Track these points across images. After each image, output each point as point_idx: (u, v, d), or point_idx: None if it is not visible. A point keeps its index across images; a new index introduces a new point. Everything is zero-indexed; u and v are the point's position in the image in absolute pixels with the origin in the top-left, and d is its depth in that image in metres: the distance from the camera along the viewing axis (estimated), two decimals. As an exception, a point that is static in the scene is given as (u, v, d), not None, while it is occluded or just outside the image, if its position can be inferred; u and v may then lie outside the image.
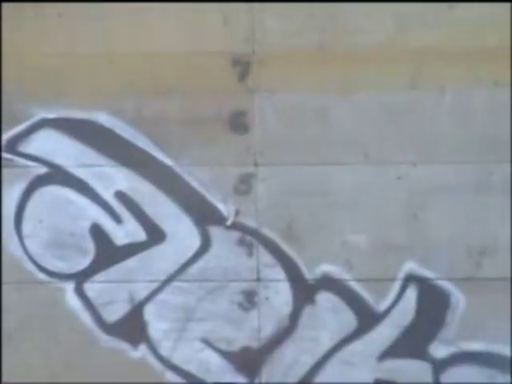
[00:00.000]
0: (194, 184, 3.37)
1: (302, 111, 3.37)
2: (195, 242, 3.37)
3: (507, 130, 3.33)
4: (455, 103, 3.35)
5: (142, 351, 3.36)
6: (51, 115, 3.37)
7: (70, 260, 3.35)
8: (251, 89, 3.37)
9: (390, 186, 3.35)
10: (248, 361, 3.36)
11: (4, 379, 3.29)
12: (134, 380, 3.34)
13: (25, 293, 3.33)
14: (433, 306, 3.35)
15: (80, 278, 3.36)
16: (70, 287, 3.35)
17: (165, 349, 3.36)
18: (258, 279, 3.35)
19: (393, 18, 3.37)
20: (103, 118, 3.37)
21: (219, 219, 3.36)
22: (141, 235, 3.37)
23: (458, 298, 3.33)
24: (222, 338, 3.36)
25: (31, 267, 3.34)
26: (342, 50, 3.36)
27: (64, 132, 3.36)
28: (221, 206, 3.36)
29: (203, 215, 3.37)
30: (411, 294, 3.35)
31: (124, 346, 3.35)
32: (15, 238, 3.35)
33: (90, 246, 3.36)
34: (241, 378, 3.35)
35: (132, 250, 3.37)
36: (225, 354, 3.36)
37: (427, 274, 3.34)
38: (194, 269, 3.37)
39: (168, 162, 3.37)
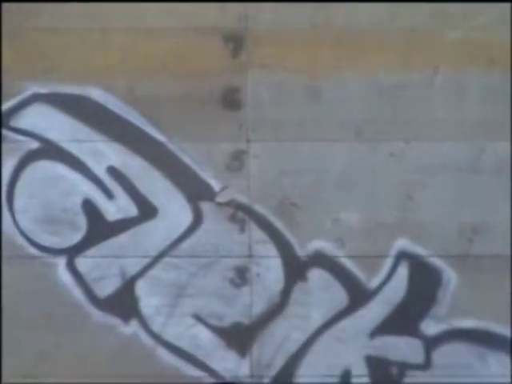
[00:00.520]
0: (186, 160, 3.37)
1: (295, 89, 3.37)
2: (187, 218, 3.37)
3: (500, 109, 3.34)
4: (448, 82, 3.35)
5: (133, 327, 3.35)
6: (43, 90, 3.36)
7: (61, 235, 3.35)
8: (244, 65, 3.37)
9: (382, 164, 3.36)
10: (239, 337, 3.36)
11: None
12: (125, 355, 3.33)
13: (16, 267, 3.32)
14: (424, 284, 3.35)
15: (72, 253, 3.35)
16: (61, 262, 3.34)
17: (156, 324, 3.36)
18: (250, 255, 3.36)
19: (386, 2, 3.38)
20: (96, 94, 3.37)
21: (211, 195, 3.36)
22: (132, 211, 3.37)
23: (450, 275, 3.34)
24: (214, 314, 3.36)
25: (23, 242, 3.33)
26: (336, 29, 3.37)
27: (56, 107, 3.36)
28: (213, 182, 3.36)
29: (195, 191, 3.37)
30: (403, 271, 3.35)
31: (115, 321, 3.35)
32: (7, 213, 3.34)
33: (82, 221, 3.36)
34: (232, 354, 3.35)
35: (124, 225, 3.36)
36: (216, 330, 3.36)
37: (419, 251, 3.35)
38: (185, 245, 3.37)
39: (160, 138, 3.37)
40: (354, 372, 3.35)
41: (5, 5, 3.35)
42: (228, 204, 3.36)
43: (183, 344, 3.36)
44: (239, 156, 3.36)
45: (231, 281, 3.36)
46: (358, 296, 3.36)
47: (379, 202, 3.36)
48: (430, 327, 3.34)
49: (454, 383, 3.30)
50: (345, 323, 3.35)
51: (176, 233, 3.36)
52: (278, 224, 3.36)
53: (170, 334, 3.36)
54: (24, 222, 3.34)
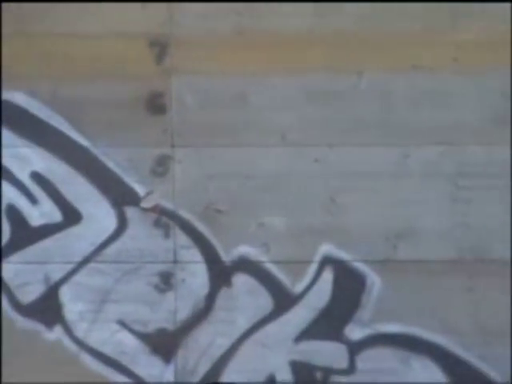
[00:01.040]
0: (111, 165, 3.37)
1: (220, 94, 3.38)
2: (111, 224, 3.37)
3: (425, 114, 3.36)
4: (373, 87, 3.37)
5: (57, 333, 3.36)
6: None
7: None
8: (168, 71, 3.37)
9: (307, 169, 3.38)
10: (164, 343, 3.37)
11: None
12: (49, 361, 3.33)
13: None
14: (349, 288, 3.37)
15: None
16: None
17: (80, 330, 3.36)
18: (175, 261, 3.36)
19: (313, 3, 3.39)
20: (19, 98, 3.36)
21: (136, 200, 3.36)
22: (57, 216, 3.37)
23: (374, 280, 3.35)
24: (138, 320, 3.37)
25: None
26: (261, 34, 3.38)
27: None
28: (137, 188, 3.36)
29: (120, 196, 3.38)
30: (327, 276, 3.37)
31: (39, 327, 3.35)
32: None
33: (5, 226, 3.35)
34: (156, 360, 3.36)
35: (48, 231, 3.37)
36: (140, 336, 3.37)
37: (343, 256, 3.37)
38: (110, 250, 3.37)
39: (85, 143, 3.37)
40: (279, 377, 3.36)
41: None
42: (153, 209, 3.37)
43: (107, 350, 3.36)
44: (164, 161, 3.37)
45: (156, 286, 3.37)
46: (283, 301, 3.37)
47: (304, 208, 3.37)
48: (354, 332, 3.36)
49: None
50: (269, 328, 3.37)
51: (100, 238, 3.37)
52: (203, 229, 3.37)
53: (94, 340, 3.36)
54: None
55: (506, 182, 3.35)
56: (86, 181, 3.37)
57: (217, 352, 3.36)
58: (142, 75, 3.37)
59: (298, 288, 3.36)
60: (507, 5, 3.36)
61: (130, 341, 3.36)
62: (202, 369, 3.36)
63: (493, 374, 3.32)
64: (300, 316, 3.37)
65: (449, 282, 3.34)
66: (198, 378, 3.36)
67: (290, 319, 3.37)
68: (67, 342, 3.35)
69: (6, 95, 3.36)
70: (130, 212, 3.37)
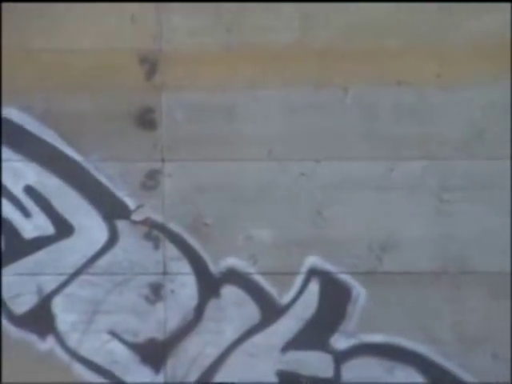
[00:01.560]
0: (102, 179, 3.44)
1: (209, 109, 3.45)
2: (103, 236, 3.44)
3: (409, 128, 3.43)
4: (358, 102, 3.44)
5: (49, 343, 3.42)
6: None
7: None
8: (158, 86, 3.44)
9: (293, 183, 3.44)
10: (154, 352, 3.43)
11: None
12: (42, 371, 3.40)
13: None
14: (334, 300, 3.44)
15: None
16: None
17: (72, 340, 3.43)
18: (164, 272, 3.43)
19: (299, 18, 3.46)
20: (13, 114, 3.43)
21: (126, 214, 3.44)
22: (49, 229, 3.44)
23: (359, 291, 3.42)
24: (129, 330, 3.43)
25: None
26: (248, 49, 3.45)
27: None
28: (128, 201, 3.43)
29: (111, 210, 3.45)
30: (314, 287, 3.43)
31: (32, 337, 3.42)
32: None
33: None
34: (146, 369, 3.43)
35: (40, 243, 3.43)
36: (131, 346, 3.43)
37: (329, 268, 3.43)
38: (101, 262, 3.44)
39: (76, 157, 3.44)
40: None
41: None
42: (143, 222, 3.44)
43: (99, 359, 3.43)
44: (154, 175, 3.44)
45: (146, 297, 3.44)
46: (270, 312, 3.43)
47: (291, 220, 3.44)
48: (339, 342, 3.42)
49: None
50: (257, 338, 3.43)
51: (92, 250, 3.44)
52: (192, 241, 3.44)
53: (85, 350, 3.43)
54: None
55: (488, 195, 3.41)
56: (78, 194, 3.44)
57: (205, 361, 3.43)
58: (133, 91, 3.44)
59: (285, 299, 3.43)
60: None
61: (120, 350, 3.43)
62: (192, 378, 3.43)
63: (472, 381, 3.38)
64: (287, 326, 3.43)
65: (432, 292, 3.40)
66: None
67: (277, 330, 3.43)
68: (59, 352, 3.42)
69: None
70: (121, 225, 3.44)
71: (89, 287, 3.43)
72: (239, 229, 3.44)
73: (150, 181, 3.43)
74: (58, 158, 3.44)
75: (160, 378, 3.42)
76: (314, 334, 3.43)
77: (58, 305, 3.43)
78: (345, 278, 3.43)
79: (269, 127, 3.45)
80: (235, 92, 3.44)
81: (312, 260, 3.42)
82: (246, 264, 3.43)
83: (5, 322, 3.42)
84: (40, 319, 3.43)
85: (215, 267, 3.43)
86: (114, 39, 3.45)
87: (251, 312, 3.44)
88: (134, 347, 3.43)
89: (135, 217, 3.44)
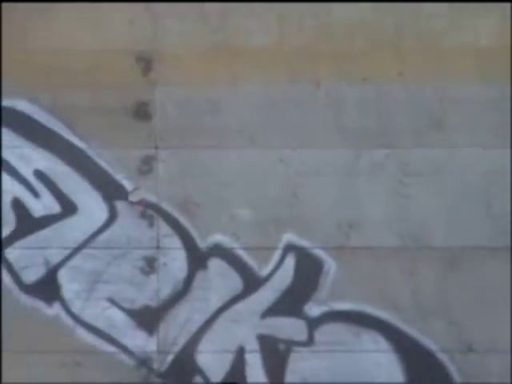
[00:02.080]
0: (103, 164, 3.83)
1: (197, 102, 3.83)
2: (103, 215, 3.83)
3: (374, 121, 3.83)
4: (329, 97, 3.85)
5: (55, 309, 3.80)
6: None
7: None
8: (153, 82, 3.85)
9: (272, 168, 3.83)
10: (148, 318, 3.81)
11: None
12: (48, 334, 3.77)
13: None
14: (308, 272, 3.81)
15: (2, 244, 3.82)
16: None
17: (76, 307, 3.80)
18: (158, 247, 3.83)
19: (276, 20, 3.86)
20: (24, 106, 3.83)
21: (124, 195, 3.85)
22: (55, 208, 3.83)
23: (330, 264, 3.79)
24: (126, 298, 3.81)
25: None
26: (232, 49, 3.85)
27: None
28: (126, 184, 3.85)
29: (110, 191, 3.84)
30: (290, 261, 3.81)
31: (40, 304, 3.80)
32: None
33: (11, 217, 3.84)
34: (141, 333, 3.80)
35: (48, 221, 3.81)
36: (128, 312, 3.81)
37: (304, 243, 3.81)
38: (102, 238, 3.82)
39: (80, 144, 3.84)
40: (247, 348, 3.79)
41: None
42: (139, 202, 3.85)
43: (99, 324, 3.80)
44: (148, 161, 3.84)
45: (141, 269, 3.83)
46: (251, 283, 3.81)
47: (269, 201, 3.82)
48: (312, 309, 3.80)
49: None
50: (239, 306, 3.81)
51: (93, 227, 3.82)
52: (182, 220, 3.82)
53: (87, 315, 3.80)
54: (-40, 217, 3.80)
55: (442, 179, 3.80)
56: (81, 178, 3.83)
57: (193, 326, 3.80)
58: (130, 86, 3.83)
59: (264, 271, 3.81)
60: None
61: (118, 316, 3.81)
62: (181, 340, 3.80)
63: (430, 345, 3.78)
64: (266, 296, 3.81)
65: (393, 265, 3.78)
66: (177, 348, 3.79)
67: (257, 298, 3.81)
68: (64, 317, 3.80)
69: (12, 103, 3.83)
70: (119, 205, 3.84)
71: (90, 260, 3.83)
72: (224, 209, 3.82)
73: (145, 166, 3.84)
74: (64, 146, 3.83)
75: (153, 340, 3.81)
76: (289, 303, 3.80)
77: (63, 275, 3.82)
78: (317, 252, 3.81)
79: (250, 119, 3.83)
80: (220, 87, 3.83)
81: (288, 237, 3.81)
82: (230, 240, 3.81)
83: (16, 290, 3.81)
84: (47, 288, 3.81)
85: (202, 243, 3.81)
86: (114, 40, 3.84)
87: (234, 283, 3.81)
88: (131, 313, 3.81)
89: (132, 198, 3.84)
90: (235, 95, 3.83)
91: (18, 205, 3.82)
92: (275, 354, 3.80)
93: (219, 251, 3.81)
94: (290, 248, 3.81)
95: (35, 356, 3.75)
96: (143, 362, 3.79)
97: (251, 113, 3.84)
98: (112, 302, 3.81)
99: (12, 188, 3.83)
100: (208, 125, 3.83)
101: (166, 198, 3.82)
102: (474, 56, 3.78)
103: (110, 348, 3.80)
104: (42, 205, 3.83)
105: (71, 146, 3.83)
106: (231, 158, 3.83)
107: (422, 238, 3.79)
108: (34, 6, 3.81)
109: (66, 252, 3.82)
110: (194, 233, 3.81)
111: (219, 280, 3.81)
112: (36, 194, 3.82)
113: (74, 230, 3.82)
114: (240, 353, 3.79)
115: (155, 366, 3.80)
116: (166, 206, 3.82)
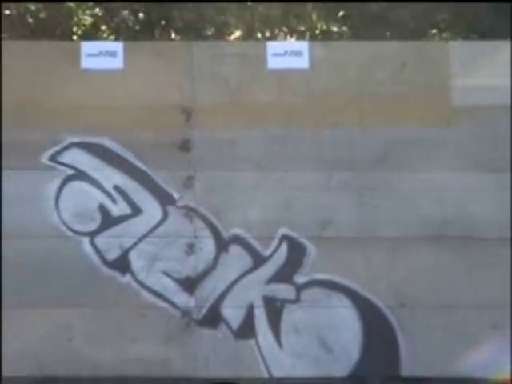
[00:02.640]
0: (159, 181, 5.19)
1: (223, 141, 5.26)
2: (159, 215, 5.20)
3: (342, 152, 5.41)
4: (311, 137, 5.43)
5: (127, 278, 5.10)
6: (76, 139, 5.28)
7: (86, 224, 5.17)
8: (192, 126, 5.29)
9: (273, 185, 5.28)
10: (189, 285, 5.09)
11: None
12: (122, 296, 5.08)
13: (59, 243, 5.22)
14: (296, 253, 5.12)
15: (92, 234, 5.16)
16: (86, 240, 5.19)
17: (141, 277, 5.11)
18: (195, 237, 5.16)
19: (276, 84, 5.66)
20: (107, 142, 5.32)
21: (173, 202, 5.29)
22: (127, 211, 5.19)
23: (311, 249, 5.15)
24: (174, 271, 5.10)
25: (63, 228, 5.21)
26: (244, 104, 5.46)
27: (84, 150, 5.26)
28: (174, 194, 5.40)
29: (164, 199, 5.22)
30: (284, 246, 5.15)
31: (116, 274, 5.12)
32: (55, 212, 5.28)
33: (97, 216, 5.26)
34: (185, 294, 5.10)
35: (122, 219, 5.19)
36: (176, 280, 5.09)
37: (294, 234, 5.15)
38: (158, 230, 5.16)
39: (144, 168, 5.33)
40: (255, 305, 5.10)
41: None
42: (183, 207, 5.42)
43: (157, 288, 5.09)
44: (189, 179, 5.25)
45: (185, 252, 5.15)
46: (258, 261, 5.12)
47: (271, 207, 5.20)
48: (299, 278, 5.13)
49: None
50: (250, 277, 5.14)
51: (152, 223, 5.19)
52: (212, 218, 5.25)
53: (149, 282, 5.13)
54: (65, 216, 5.16)
55: (389, 193, 5.37)
56: (145, 190, 5.25)
57: (219, 290, 5.13)
58: (177, 129, 5.34)
59: (267, 253, 5.15)
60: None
61: (169, 283, 5.11)
62: (211, 299, 5.09)
63: (378, 303, 5.33)
64: (268, 269, 5.13)
65: (354, 249, 5.20)
66: (208, 304, 5.13)
67: (262, 271, 5.13)
68: (133, 284, 5.12)
69: (99, 140, 5.49)
70: (170, 208, 5.21)
71: (150, 245, 5.21)
72: (239, 211, 5.25)
73: (187, 182, 5.27)
74: (134, 169, 5.30)
75: (192, 299, 5.12)
76: (284, 274, 5.10)
77: (132, 255, 5.15)
78: (303, 240, 5.16)
79: (257, 151, 5.35)
80: (236, 130, 5.27)
81: (283, 230, 5.16)
82: (244, 232, 5.17)
83: (99, 264, 5.37)
84: (121, 263, 5.14)
85: (225, 234, 5.16)
86: (166, 98, 5.42)
87: (246, 261, 5.13)
88: (178, 281, 5.11)
89: (178, 204, 5.34)
90: (246, 135, 5.26)
91: (102, 208, 5.22)
92: (274, 309, 5.12)
93: (236, 240, 5.17)
94: (284, 238, 5.17)
95: (113, 309, 5.28)
96: (186, 313, 5.11)
97: (258, 146, 5.26)
98: (165, 273, 5.15)
99: (98, 197, 5.30)
100: (228, 157, 5.24)
101: (201, 204, 5.24)
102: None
103: (164, 304, 5.10)
104: (118, 208, 5.19)
105: (138, 169, 5.24)
106: (244, 177, 5.18)
107: (373, 231, 5.27)
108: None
109: (134, 240, 5.19)
110: (219, 227, 5.20)
111: (236, 259, 5.16)
112: (114, 201, 5.20)
113: (140, 225, 5.20)
114: (250, 308, 5.10)
115: (194, 316, 5.11)
116: (201, 209, 5.24)
